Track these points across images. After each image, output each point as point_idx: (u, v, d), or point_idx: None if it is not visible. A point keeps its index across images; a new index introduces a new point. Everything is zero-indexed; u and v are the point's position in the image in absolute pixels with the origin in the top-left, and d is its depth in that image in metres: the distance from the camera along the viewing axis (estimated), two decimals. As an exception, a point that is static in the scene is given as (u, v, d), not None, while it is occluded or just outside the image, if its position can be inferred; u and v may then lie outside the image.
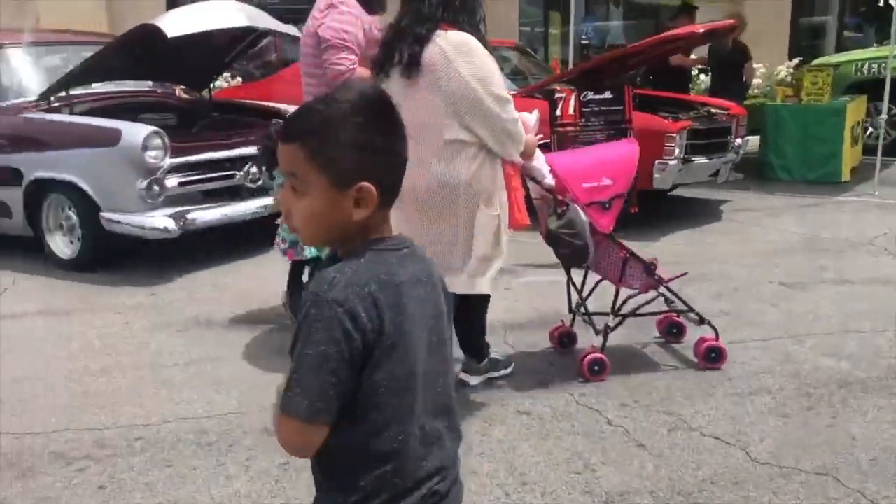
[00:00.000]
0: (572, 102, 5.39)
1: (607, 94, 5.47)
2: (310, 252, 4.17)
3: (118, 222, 5.26)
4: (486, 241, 3.09)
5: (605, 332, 3.65)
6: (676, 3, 10.58)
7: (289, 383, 1.22)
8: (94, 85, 6.26)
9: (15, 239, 5.90)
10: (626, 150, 3.70)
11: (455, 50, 2.98)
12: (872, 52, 9.98)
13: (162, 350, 4.13)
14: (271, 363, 3.91)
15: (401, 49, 3.06)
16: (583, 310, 3.81)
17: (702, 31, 6.53)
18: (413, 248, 1.34)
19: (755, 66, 9.16)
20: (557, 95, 5.42)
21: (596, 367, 3.59)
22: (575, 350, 3.92)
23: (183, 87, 7.29)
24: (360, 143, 1.24)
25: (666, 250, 5.55)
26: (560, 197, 3.46)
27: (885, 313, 4.39)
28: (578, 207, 3.45)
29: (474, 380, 3.55)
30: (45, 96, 5.77)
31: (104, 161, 5.24)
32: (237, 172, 5.77)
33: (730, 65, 8.38)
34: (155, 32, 5.15)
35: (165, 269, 5.49)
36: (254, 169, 5.82)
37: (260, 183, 5.89)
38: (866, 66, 9.61)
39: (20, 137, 5.62)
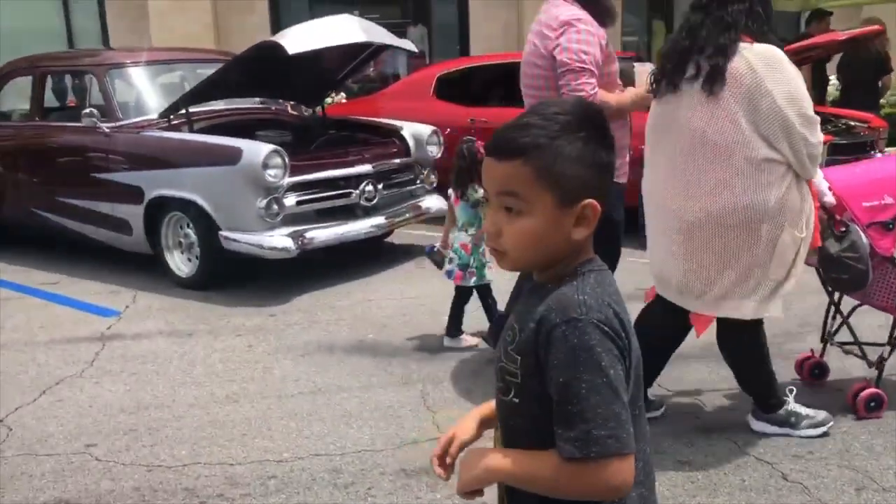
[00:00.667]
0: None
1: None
2: (477, 279, 4.09)
3: (237, 241, 5.20)
4: (782, 264, 2.87)
5: (881, 363, 3.34)
6: (787, 9, 10.03)
7: (593, 421, 1.11)
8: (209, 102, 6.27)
9: (134, 255, 5.93)
10: None
11: (764, 64, 2.74)
12: None
13: (286, 377, 3.99)
14: (399, 395, 3.72)
15: (698, 60, 2.82)
16: (838, 339, 3.59)
17: (843, 38, 6.06)
18: None
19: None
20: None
21: (873, 404, 3.30)
22: (822, 384, 3.66)
23: (293, 103, 7.26)
24: (586, 158, 1.19)
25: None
26: (838, 217, 3.19)
27: None
28: (859, 228, 3.18)
29: None
30: (165, 114, 5.78)
31: (224, 179, 5.18)
32: (353, 191, 5.64)
33: (866, 74, 7.81)
34: (275, 49, 5.08)
35: (282, 290, 5.39)
36: (369, 187, 5.69)
37: (375, 202, 5.76)
38: None
39: (141, 155, 5.64)
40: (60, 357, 4.34)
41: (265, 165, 5.05)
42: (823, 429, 3.15)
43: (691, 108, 2.85)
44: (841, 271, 3.21)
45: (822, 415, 3.18)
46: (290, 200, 5.30)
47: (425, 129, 6.22)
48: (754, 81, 2.73)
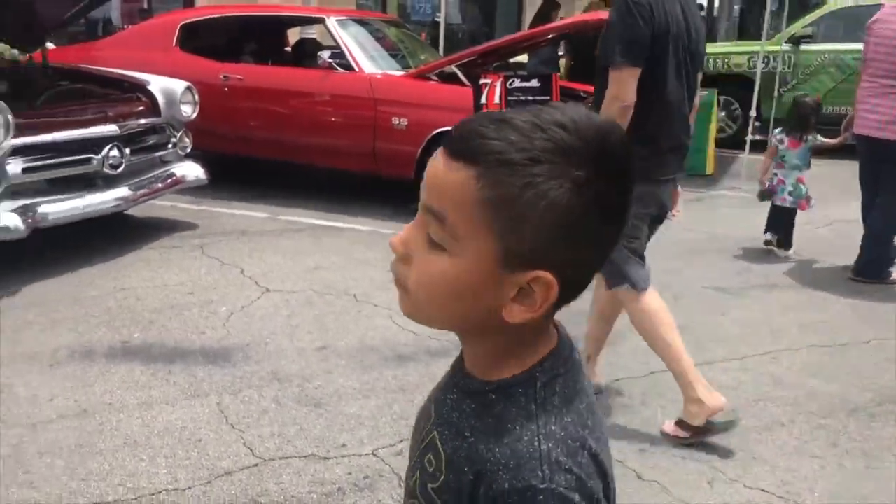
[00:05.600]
0: (498, 90, 4.88)
1: (534, 83, 5.01)
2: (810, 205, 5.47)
3: (-57, 220, 4.08)
4: None
5: None
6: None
7: None
8: None
9: None
10: None
11: None
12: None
13: (37, 396, 3.15)
14: (191, 411, 3.09)
15: None
16: None
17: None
18: None
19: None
20: (483, 81, 4.88)
21: None
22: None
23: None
24: (569, 214, 0.81)
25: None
26: None
27: (835, 325, 4.30)
28: None
29: None
30: None
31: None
32: (94, 157, 4.70)
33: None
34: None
35: (7, 278, 4.34)
36: (114, 152, 4.78)
37: (121, 169, 4.86)
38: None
39: None
40: None
41: (-19, 124, 3.99)
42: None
43: None
44: None
45: None
46: (15, 168, 4.26)
47: (178, 85, 5.39)
48: None
